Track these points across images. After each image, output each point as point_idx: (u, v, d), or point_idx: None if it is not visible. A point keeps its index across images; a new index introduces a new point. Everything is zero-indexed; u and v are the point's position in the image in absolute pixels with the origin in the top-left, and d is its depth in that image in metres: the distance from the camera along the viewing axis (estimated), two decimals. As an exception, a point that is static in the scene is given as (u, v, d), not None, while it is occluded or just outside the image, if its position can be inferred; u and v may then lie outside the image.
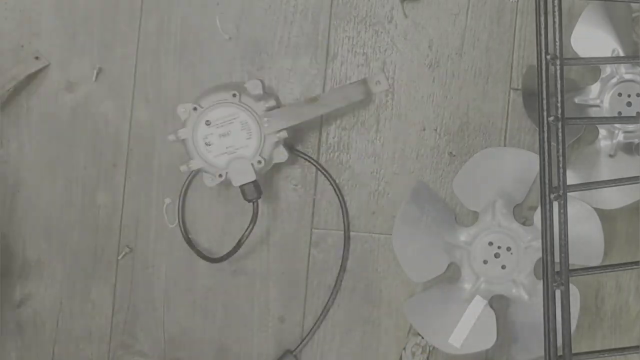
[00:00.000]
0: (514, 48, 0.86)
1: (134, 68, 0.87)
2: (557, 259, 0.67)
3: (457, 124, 0.87)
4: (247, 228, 0.82)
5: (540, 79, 0.66)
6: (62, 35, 0.87)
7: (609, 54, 0.81)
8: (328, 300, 0.87)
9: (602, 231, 0.81)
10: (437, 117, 0.87)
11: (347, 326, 0.87)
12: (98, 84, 0.87)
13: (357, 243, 0.87)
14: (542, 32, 0.66)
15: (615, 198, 0.82)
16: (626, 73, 0.82)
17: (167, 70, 0.87)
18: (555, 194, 0.65)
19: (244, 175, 0.80)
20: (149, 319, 0.88)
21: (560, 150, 0.64)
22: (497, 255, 0.83)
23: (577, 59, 0.79)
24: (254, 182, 0.81)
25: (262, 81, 0.84)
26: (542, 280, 0.68)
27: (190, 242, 0.86)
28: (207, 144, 0.80)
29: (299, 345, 0.87)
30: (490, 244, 0.83)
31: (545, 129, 0.66)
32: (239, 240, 0.83)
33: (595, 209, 0.81)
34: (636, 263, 0.68)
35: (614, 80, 0.82)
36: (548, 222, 0.66)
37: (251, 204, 0.82)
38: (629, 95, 0.82)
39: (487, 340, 0.83)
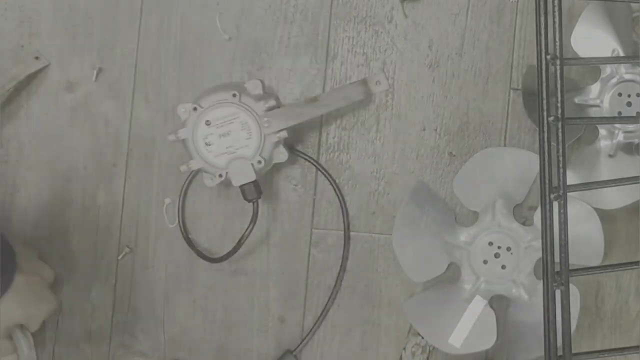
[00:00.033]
0: (514, 48, 0.86)
1: (134, 68, 0.87)
2: (557, 259, 0.67)
3: (457, 124, 0.87)
4: (247, 228, 0.82)
5: (540, 79, 0.66)
6: (62, 35, 0.87)
7: (609, 54, 0.81)
8: (328, 300, 0.87)
9: (602, 231, 0.81)
10: (437, 117, 0.87)
11: (347, 326, 0.87)
12: (98, 84, 0.87)
13: (357, 243, 0.87)
14: (542, 32, 0.66)
15: (615, 198, 0.82)
16: (626, 73, 0.82)
17: (167, 70, 0.87)
18: (555, 194, 0.65)
19: (244, 175, 0.80)
20: (149, 319, 0.88)
21: (560, 150, 0.64)
22: (497, 255, 0.83)
23: (577, 59, 0.79)
24: (254, 182, 0.81)
25: (262, 81, 0.84)
26: (542, 280, 0.68)
27: (190, 242, 0.86)
28: (207, 144, 0.80)
29: (299, 345, 0.87)
30: (490, 244, 0.83)
31: (545, 129, 0.66)
32: (239, 240, 0.83)
33: (595, 209, 0.81)
34: (636, 263, 0.68)
35: (614, 80, 0.82)
36: (548, 222, 0.66)
37: (251, 204, 0.82)
38: (629, 95, 0.82)
39: (487, 340, 0.83)
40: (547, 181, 0.66)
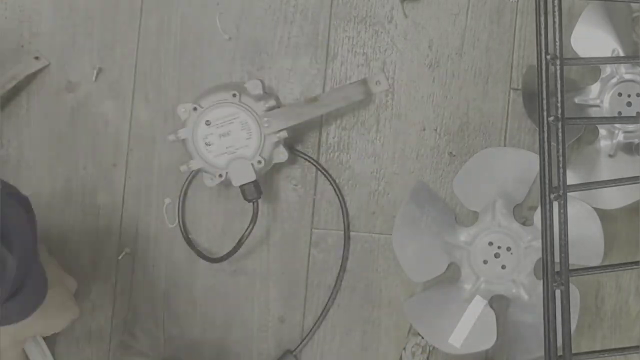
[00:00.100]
0: (514, 48, 0.86)
1: (134, 68, 0.87)
2: (557, 259, 0.67)
3: (457, 124, 0.87)
4: (247, 228, 0.82)
5: (540, 79, 0.66)
6: (62, 35, 0.87)
7: (609, 54, 0.81)
8: (328, 300, 0.87)
9: (602, 231, 0.81)
10: (437, 117, 0.87)
11: (347, 326, 0.87)
12: (98, 84, 0.87)
13: (357, 243, 0.87)
14: (542, 32, 0.66)
15: (615, 198, 0.82)
16: (626, 73, 0.82)
17: (167, 70, 0.87)
18: (555, 194, 0.65)
19: (244, 175, 0.80)
20: (149, 319, 0.88)
21: (560, 150, 0.64)
22: (497, 255, 0.83)
23: (577, 59, 0.79)
24: (254, 182, 0.81)
25: (262, 81, 0.84)
26: (542, 280, 0.68)
27: (190, 242, 0.86)
28: (207, 144, 0.80)
29: (299, 345, 0.87)
30: (490, 244, 0.83)
31: (545, 129, 0.66)
32: (239, 240, 0.83)
33: (595, 209, 0.81)
34: (636, 263, 0.68)
35: (614, 80, 0.82)
36: (548, 222, 0.66)
37: (251, 204, 0.82)
38: (629, 95, 0.82)
39: (487, 340, 0.83)
40: (547, 181, 0.66)
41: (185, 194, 0.87)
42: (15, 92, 0.87)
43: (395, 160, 0.87)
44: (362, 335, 0.87)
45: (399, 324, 0.87)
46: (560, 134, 0.64)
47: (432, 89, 0.87)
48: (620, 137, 0.82)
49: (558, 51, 0.64)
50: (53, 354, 0.85)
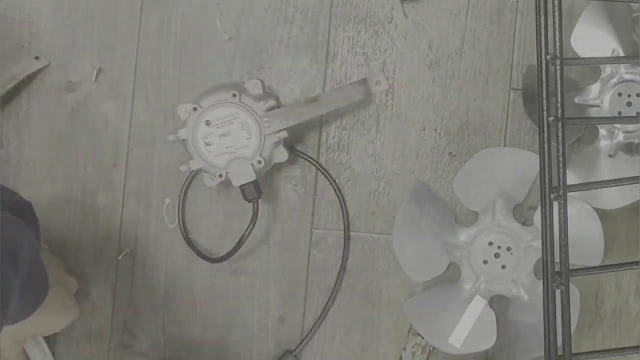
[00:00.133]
0: (514, 48, 0.86)
1: (134, 68, 0.87)
2: (557, 259, 0.67)
3: (457, 124, 0.87)
4: (247, 228, 0.82)
5: (540, 79, 0.66)
6: (62, 35, 0.87)
7: (609, 54, 0.81)
8: (328, 300, 0.87)
9: (602, 231, 0.81)
10: (437, 117, 0.87)
11: (347, 326, 0.87)
12: (98, 84, 0.87)
13: (357, 243, 0.87)
14: (542, 32, 0.66)
15: (615, 198, 0.82)
16: (626, 73, 0.82)
17: (167, 70, 0.87)
18: (555, 194, 0.65)
19: (244, 175, 0.80)
20: (149, 319, 0.88)
21: (560, 150, 0.64)
22: (497, 255, 0.83)
23: (577, 59, 0.79)
24: (254, 182, 0.81)
25: (262, 81, 0.84)
26: (542, 280, 0.68)
27: (190, 242, 0.86)
28: (207, 144, 0.80)
29: (299, 345, 0.87)
30: (490, 244, 0.83)
31: (545, 129, 0.66)
32: (239, 240, 0.83)
33: (595, 209, 0.81)
34: (636, 263, 0.68)
35: (614, 80, 0.82)
36: (548, 222, 0.66)
37: (251, 204, 0.82)
38: (629, 95, 0.82)
39: (487, 340, 0.83)
40: (547, 181, 0.66)
41: (185, 194, 0.87)
42: (15, 92, 0.87)
43: (395, 160, 0.87)
44: (362, 335, 0.87)
45: (399, 324, 0.87)
46: (560, 134, 0.64)
47: (432, 89, 0.87)
48: (620, 137, 0.82)
49: (558, 51, 0.64)
50: (53, 354, 0.85)
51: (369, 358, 0.87)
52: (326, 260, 0.87)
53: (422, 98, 0.87)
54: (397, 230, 0.85)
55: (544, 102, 0.66)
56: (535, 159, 0.78)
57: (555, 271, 0.67)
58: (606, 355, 0.68)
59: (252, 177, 0.80)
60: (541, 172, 0.67)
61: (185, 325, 0.88)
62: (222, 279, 0.87)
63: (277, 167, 0.85)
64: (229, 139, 0.80)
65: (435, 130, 0.87)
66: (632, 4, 0.83)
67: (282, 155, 0.82)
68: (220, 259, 0.83)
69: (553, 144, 0.66)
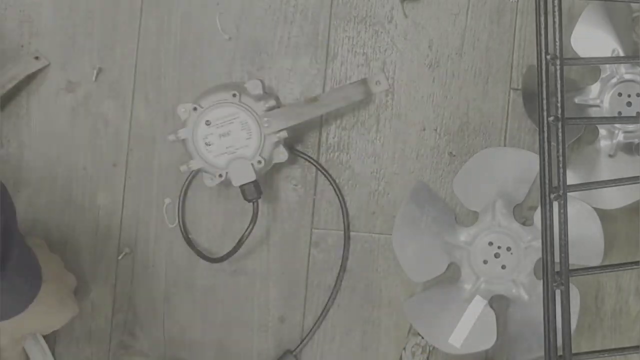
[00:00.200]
0: (514, 48, 0.86)
1: (134, 68, 0.87)
2: (557, 259, 0.67)
3: (457, 124, 0.87)
4: (247, 228, 0.82)
5: (540, 79, 0.66)
6: (62, 35, 0.87)
7: (609, 54, 0.81)
8: (328, 300, 0.87)
9: (602, 231, 0.81)
10: (437, 117, 0.87)
11: (347, 326, 0.87)
12: (98, 84, 0.87)
13: (357, 243, 0.87)
14: (542, 32, 0.66)
15: (615, 198, 0.82)
16: (626, 73, 0.82)
17: (167, 70, 0.87)
18: (555, 194, 0.65)
19: (244, 175, 0.80)
20: (149, 319, 0.88)
21: (560, 150, 0.64)
22: (497, 255, 0.83)
23: (577, 59, 0.79)
24: (254, 182, 0.81)
25: (262, 81, 0.84)
26: (542, 280, 0.68)
27: (190, 242, 0.86)
28: (207, 144, 0.80)
29: (299, 345, 0.87)
30: (490, 244, 0.83)
31: (545, 129, 0.66)
32: (239, 240, 0.83)
33: (595, 209, 0.81)
34: (636, 263, 0.68)
35: (614, 80, 0.82)
36: (548, 222, 0.66)
37: (251, 204, 0.82)
38: (629, 95, 0.82)
39: (487, 340, 0.83)
40: (547, 181, 0.66)
41: (185, 194, 0.87)
42: (15, 92, 0.87)
43: (395, 160, 0.87)
44: (362, 335, 0.87)
45: (399, 324, 0.87)
46: (560, 134, 0.64)
47: (432, 89, 0.87)
48: (620, 137, 0.82)
49: (558, 51, 0.64)
50: (53, 354, 0.85)
51: (369, 358, 0.87)
52: (326, 260, 0.87)
53: (422, 98, 0.87)
54: (397, 230, 0.85)
55: (544, 102, 0.66)
56: (535, 159, 0.78)
57: (555, 271, 0.67)
58: (606, 355, 0.68)
59: (252, 177, 0.80)
60: (541, 172, 0.67)
61: (185, 325, 0.88)
62: (222, 279, 0.87)
63: (277, 167, 0.85)
64: (229, 139, 0.80)
65: (435, 130, 0.87)
66: (632, 4, 0.83)
67: (282, 155, 0.82)
68: (220, 259, 0.83)
69: (553, 144, 0.66)
